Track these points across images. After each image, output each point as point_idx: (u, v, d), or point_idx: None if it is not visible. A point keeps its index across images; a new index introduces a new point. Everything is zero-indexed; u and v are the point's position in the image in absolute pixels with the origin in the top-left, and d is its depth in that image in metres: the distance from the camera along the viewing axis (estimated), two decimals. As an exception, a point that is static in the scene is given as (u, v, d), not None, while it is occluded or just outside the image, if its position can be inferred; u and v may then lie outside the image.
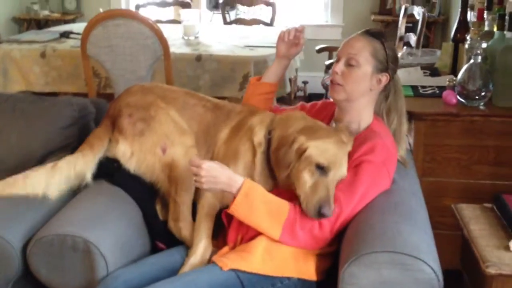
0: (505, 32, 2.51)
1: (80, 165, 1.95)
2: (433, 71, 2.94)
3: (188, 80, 3.59)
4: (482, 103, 2.43)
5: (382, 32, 2.00)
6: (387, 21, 5.41)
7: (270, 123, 1.98)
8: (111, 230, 1.84)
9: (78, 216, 1.86)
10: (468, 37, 2.68)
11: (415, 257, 1.61)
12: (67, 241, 1.75)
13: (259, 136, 1.97)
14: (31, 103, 2.49)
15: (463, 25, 2.87)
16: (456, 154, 2.45)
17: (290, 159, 1.79)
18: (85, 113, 2.46)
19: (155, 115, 2.03)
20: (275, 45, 3.65)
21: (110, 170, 2.02)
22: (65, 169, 1.93)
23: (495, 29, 2.62)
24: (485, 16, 2.72)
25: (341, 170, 1.78)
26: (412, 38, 3.98)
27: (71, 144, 2.37)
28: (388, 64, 1.92)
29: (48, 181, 1.91)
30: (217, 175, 1.75)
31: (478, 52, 2.43)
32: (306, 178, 1.76)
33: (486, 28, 2.73)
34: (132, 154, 2.00)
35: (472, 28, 2.70)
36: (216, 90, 3.57)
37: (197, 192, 2.00)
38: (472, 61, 2.43)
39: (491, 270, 1.68)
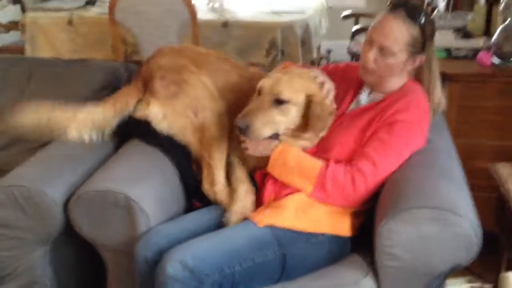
0: (541, -10, 2.47)
1: (99, 117, 2.00)
2: (465, 33, 2.89)
3: (214, 46, 3.57)
4: (518, 62, 2.41)
5: (419, 8, 1.85)
6: (413, -14, 5.28)
7: None
8: (150, 187, 1.87)
9: (118, 173, 1.89)
10: (502, -2, 2.63)
11: (455, 212, 1.62)
12: (108, 197, 1.78)
13: None
14: (65, 67, 2.52)
15: (498, -15, 2.81)
16: (490, 115, 2.43)
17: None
18: (117, 76, 2.48)
19: (188, 79, 2.03)
20: (301, 10, 3.62)
21: (145, 131, 2.04)
22: (86, 117, 1.99)
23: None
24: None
25: (274, 91, 1.82)
26: (441, 3, 3.90)
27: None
28: (425, 44, 1.85)
29: (69, 121, 1.97)
30: (260, 141, 1.88)
31: (514, 11, 2.40)
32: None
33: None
34: (164, 116, 2.01)
35: (507, -12, 2.65)
36: (243, 56, 3.56)
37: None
38: (507, 21, 2.40)
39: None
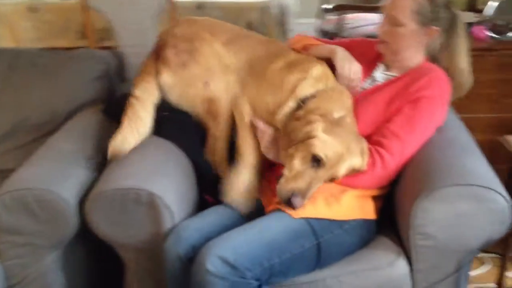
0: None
1: (154, 91, 1.95)
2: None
3: (190, 29, 3.45)
4: (512, 36, 2.45)
5: None
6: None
7: (318, 90, 1.88)
8: (171, 182, 1.78)
9: (136, 168, 1.78)
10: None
11: (489, 187, 1.63)
12: (130, 195, 1.68)
13: (301, 93, 1.88)
14: (50, 57, 2.36)
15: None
16: (487, 89, 2.46)
17: (296, 137, 1.72)
18: (108, 65, 2.36)
19: (199, 47, 1.97)
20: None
21: (157, 120, 1.94)
22: (148, 100, 1.93)
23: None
24: None
25: (335, 171, 1.69)
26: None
27: (100, 98, 2.28)
28: (437, 15, 1.85)
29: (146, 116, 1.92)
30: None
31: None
32: (297, 163, 1.68)
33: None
34: (174, 85, 1.96)
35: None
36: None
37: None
38: (502, -4, 2.43)
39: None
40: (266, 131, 1.87)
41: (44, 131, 2.21)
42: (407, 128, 1.80)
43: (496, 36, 2.44)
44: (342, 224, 1.74)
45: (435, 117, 1.85)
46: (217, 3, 3.47)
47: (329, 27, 3.99)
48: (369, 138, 1.84)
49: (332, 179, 1.72)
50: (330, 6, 3.95)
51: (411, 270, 1.73)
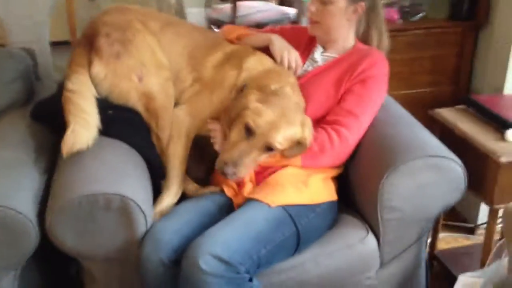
0: None
1: (89, 82, 1.80)
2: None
3: (83, 24, 3.24)
4: (420, 17, 2.63)
5: None
6: None
7: (254, 75, 1.88)
8: (137, 183, 1.67)
9: (96, 172, 1.63)
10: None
11: (447, 157, 1.75)
12: (99, 201, 1.54)
13: (239, 84, 1.88)
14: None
15: None
16: (399, 67, 2.62)
17: (236, 113, 1.74)
18: (26, 64, 2.13)
19: (133, 39, 1.87)
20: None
21: (102, 119, 1.80)
22: (87, 92, 1.78)
23: None
24: None
25: (269, 139, 1.67)
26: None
27: (20, 100, 2.05)
28: None
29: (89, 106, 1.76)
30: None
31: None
32: (233, 135, 1.71)
33: None
34: (105, 77, 1.82)
35: None
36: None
37: None
38: (406, -22, 2.60)
39: (504, 159, 1.87)
40: (216, 128, 1.85)
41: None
42: (360, 105, 1.87)
43: (404, 16, 2.62)
44: (314, 208, 1.77)
45: (381, 94, 1.95)
46: (112, -6, 3.30)
47: (218, 16, 3.98)
48: (322, 119, 1.89)
49: (269, 149, 1.70)
50: (220, -5, 3.94)
51: (379, 243, 1.81)
